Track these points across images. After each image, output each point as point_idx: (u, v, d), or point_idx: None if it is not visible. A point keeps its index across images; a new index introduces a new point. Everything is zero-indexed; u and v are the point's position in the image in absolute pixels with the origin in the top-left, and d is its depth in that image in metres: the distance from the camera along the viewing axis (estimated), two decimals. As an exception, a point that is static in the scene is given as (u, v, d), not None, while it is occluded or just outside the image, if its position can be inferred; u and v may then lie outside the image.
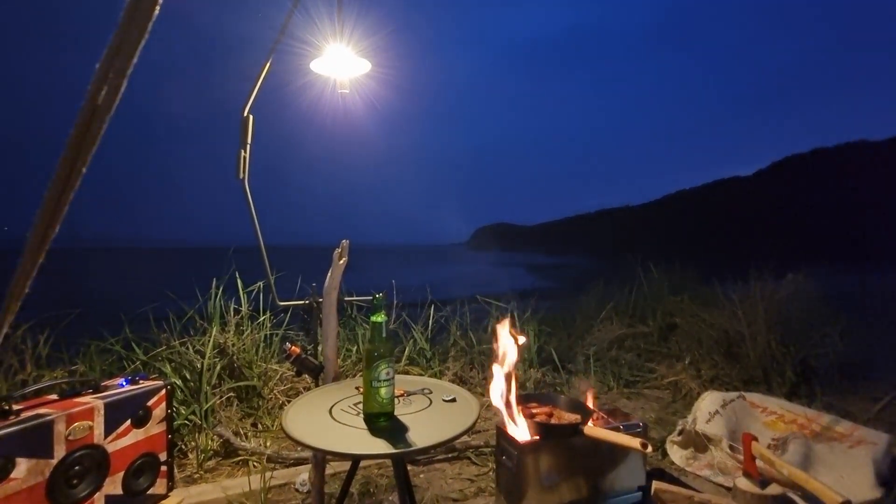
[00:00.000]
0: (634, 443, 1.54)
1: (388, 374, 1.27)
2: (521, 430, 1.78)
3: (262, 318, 3.25)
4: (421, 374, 3.37)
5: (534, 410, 1.92)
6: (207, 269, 3.48)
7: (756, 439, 1.84)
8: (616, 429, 1.91)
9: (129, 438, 1.38)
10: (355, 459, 1.54)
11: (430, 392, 1.55)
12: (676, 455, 2.40)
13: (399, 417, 1.33)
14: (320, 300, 1.85)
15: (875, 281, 5.96)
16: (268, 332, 3.25)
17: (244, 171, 2.06)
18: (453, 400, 1.48)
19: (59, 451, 1.21)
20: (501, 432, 1.88)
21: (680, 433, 2.45)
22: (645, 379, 3.72)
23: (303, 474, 2.21)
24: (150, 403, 1.44)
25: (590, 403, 1.98)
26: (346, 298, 2.75)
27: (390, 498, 2.11)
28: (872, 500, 1.88)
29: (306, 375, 1.70)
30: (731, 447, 2.20)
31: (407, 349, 3.59)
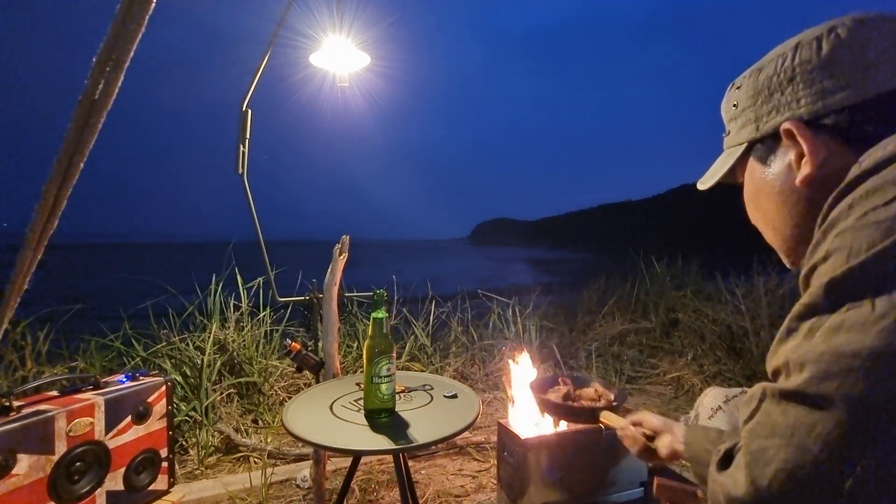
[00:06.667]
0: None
1: (388, 370, 1.26)
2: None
3: (262, 315, 3.25)
4: (422, 370, 3.37)
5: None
6: (207, 264, 3.47)
7: None
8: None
9: (129, 435, 1.38)
10: (356, 455, 1.54)
11: (431, 388, 1.55)
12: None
13: (400, 413, 1.32)
14: (320, 296, 1.85)
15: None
16: (268, 329, 3.25)
17: (243, 166, 2.05)
18: (454, 396, 1.47)
19: (61, 448, 1.20)
20: (503, 428, 1.88)
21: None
22: (647, 375, 3.72)
23: (304, 470, 2.21)
24: (150, 400, 1.44)
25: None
26: (347, 294, 2.74)
27: (391, 494, 2.11)
28: None
29: (307, 372, 1.69)
30: None
31: (408, 345, 3.59)
